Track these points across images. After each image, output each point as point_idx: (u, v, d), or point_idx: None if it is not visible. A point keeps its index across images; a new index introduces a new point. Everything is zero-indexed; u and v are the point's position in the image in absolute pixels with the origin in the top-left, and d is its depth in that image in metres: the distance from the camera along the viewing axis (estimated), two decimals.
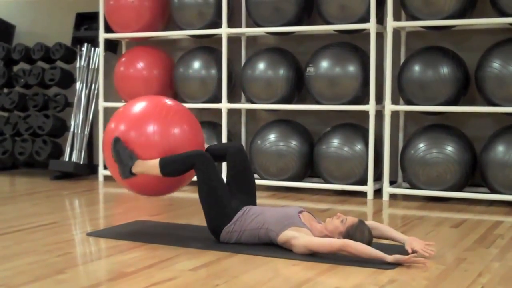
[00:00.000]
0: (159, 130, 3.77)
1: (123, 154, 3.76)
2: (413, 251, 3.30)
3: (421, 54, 5.19)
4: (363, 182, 5.33)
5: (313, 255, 3.36)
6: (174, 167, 3.68)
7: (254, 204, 3.79)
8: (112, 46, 6.63)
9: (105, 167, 6.37)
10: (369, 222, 3.52)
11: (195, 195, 5.49)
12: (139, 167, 3.74)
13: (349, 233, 3.35)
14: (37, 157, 6.52)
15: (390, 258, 3.20)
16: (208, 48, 6.12)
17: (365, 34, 5.45)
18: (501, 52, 4.92)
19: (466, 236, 3.94)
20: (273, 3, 5.56)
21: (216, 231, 3.63)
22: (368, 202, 5.17)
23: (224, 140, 5.81)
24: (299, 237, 3.39)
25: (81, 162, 6.44)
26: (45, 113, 6.61)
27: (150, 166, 3.71)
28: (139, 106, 3.87)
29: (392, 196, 5.34)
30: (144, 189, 3.91)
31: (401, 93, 5.27)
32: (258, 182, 5.67)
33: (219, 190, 3.60)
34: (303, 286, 2.89)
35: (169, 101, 3.95)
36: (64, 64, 6.85)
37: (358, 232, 3.35)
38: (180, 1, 5.99)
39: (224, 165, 5.44)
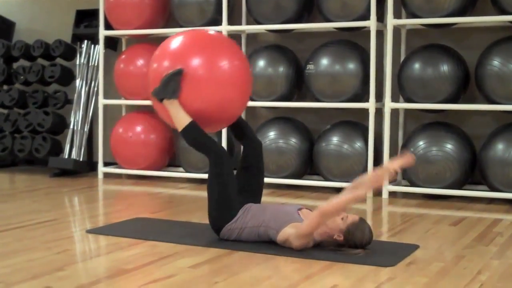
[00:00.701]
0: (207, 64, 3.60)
1: (171, 85, 3.58)
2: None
3: (421, 52, 5.19)
4: None
5: (313, 253, 3.36)
6: (193, 140, 3.62)
7: (258, 201, 3.77)
8: (112, 43, 6.63)
9: (105, 164, 6.38)
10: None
11: (195, 193, 5.53)
12: (171, 105, 3.60)
13: (350, 231, 3.35)
14: (37, 154, 6.52)
15: (362, 188, 3.29)
16: None
17: (365, 31, 5.45)
18: (501, 50, 4.92)
19: (466, 234, 3.94)
20: (273, 0, 5.56)
21: (217, 227, 3.62)
22: (367, 199, 5.17)
23: (224, 137, 5.81)
24: (294, 231, 3.39)
25: (81, 159, 6.44)
26: (45, 110, 6.60)
27: (179, 116, 3.59)
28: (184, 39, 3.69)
29: (392, 194, 5.34)
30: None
31: (401, 91, 5.27)
32: None
33: (229, 188, 3.57)
34: (302, 284, 2.89)
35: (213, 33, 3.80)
36: (64, 61, 6.84)
37: (359, 230, 3.35)
38: None
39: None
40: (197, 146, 3.64)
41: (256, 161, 3.78)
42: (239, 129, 3.84)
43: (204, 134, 3.62)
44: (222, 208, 3.58)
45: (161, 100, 3.62)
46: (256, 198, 3.75)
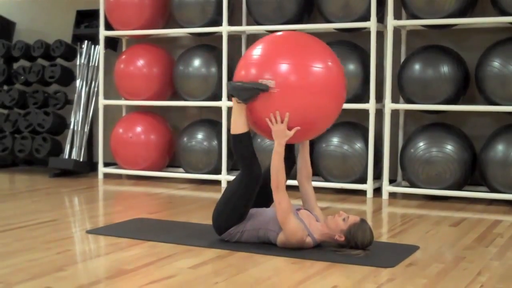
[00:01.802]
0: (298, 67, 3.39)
1: (250, 93, 3.42)
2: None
3: (421, 52, 5.19)
4: (363, 180, 5.33)
5: (313, 253, 3.36)
6: (240, 149, 3.52)
7: (266, 206, 3.71)
8: (112, 44, 6.63)
9: (105, 165, 6.38)
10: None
11: (195, 193, 5.53)
12: (238, 106, 3.50)
13: (351, 232, 3.35)
14: (37, 155, 6.52)
15: (275, 144, 3.37)
16: (208, 46, 6.12)
17: (365, 32, 5.45)
18: (501, 51, 4.92)
19: (466, 235, 3.94)
20: (274, 1, 5.55)
21: (220, 229, 3.61)
22: (367, 200, 5.17)
23: (224, 138, 5.79)
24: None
25: (81, 160, 6.44)
26: (45, 111, 6.60)
27: (239, 121, 3.50)
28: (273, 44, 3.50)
29: (392, 195, 5.34)
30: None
31: (401, 91, 5.27)
32: None
33: (246, 205, 3.52)
34: (302, 284, 2.89)
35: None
36: (64, 61, 6.85)
37: (360, 231, 3.35)
38: None
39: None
40: (239, 157, 3.55)
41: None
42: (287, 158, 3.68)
43: (251, 150, 3.53)
44: (231, 215, 3.55)
45: (231, 95, 3.53)
46: (263, 203, 3.69)
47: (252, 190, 3.51)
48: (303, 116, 3.39)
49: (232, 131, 3.53)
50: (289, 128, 3.39)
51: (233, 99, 3.50)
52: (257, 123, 3.52)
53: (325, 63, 3.45)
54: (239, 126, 3.50)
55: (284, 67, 3.37)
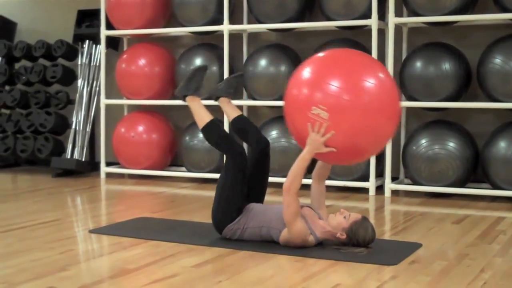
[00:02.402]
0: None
1: (194, 82, 3.65)
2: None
3: (423, 50, 5.18)
4: (365, 178, 5.33)
5: (315, 251, 3.36)
6: (213, 137, 3.61)
7: (260, 201, 3.77)
8: (113, 43, 6.63)
9: (107, 164, 6.38)
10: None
11: (197, 192, 5.53)
12: (193, 102, 3.63)
13: (352, 230, 3.35)
14: (39, 155, 6.52)
15: (305, 151, 3.29)
16: (209, 45, 6.12)
17: (366, 30, 5.45)
18: (503, 48, 4.91)
19: (468, 232, 3.94)
20: None
21: (219, 226, 3.62)
22: (370, 198, 5.17)
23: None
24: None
25: (83, 159, 6.44)
26: (47, 111, 6.61)
27: (200, 114, 3.61)
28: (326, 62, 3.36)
29: (394, 192, 5.33)
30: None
31: (403, 89, 5.26)
32: None
33: (236, 189, 3.55)
34: (305, 283, 2.89)
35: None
36: (66, 61, 6.85)
37: (362, 228, 3.35)
38: None
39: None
40: (215, 144, 3.65)
41: (263, 161, 3.76)
42: (240, 130, 3.82)
43: (224, 133, 3.63)
44: (226, 207, 3.57)
45: (184, 98, 3.63)
46: (259, 198, 3.74)
47: (240, 168, 3.53)
48: (351, 140, 3.21)
49: (200, 126, 3.63)
50: (327, 145, 3.26)
51: (187, 99, 3.64)
52: (298, 133, 3.37)
53: (378, 77, 3.25)
54: (203, 118, 3.61)
55: (335, 86, 3.19)
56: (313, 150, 3.27)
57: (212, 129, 3.62)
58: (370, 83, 3.21)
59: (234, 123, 3.84)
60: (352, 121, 3.17)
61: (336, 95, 3.18)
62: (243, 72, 3.46)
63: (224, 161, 3.62)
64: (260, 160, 3.75)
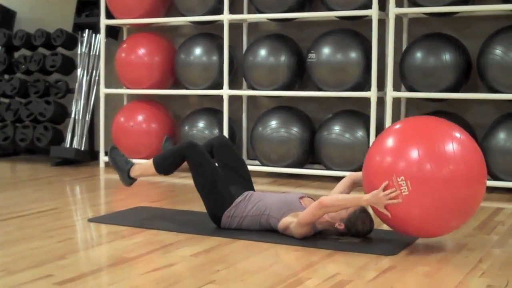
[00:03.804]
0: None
1: (120, 161, 3.85)
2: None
3: (423, 40, 5.17)
4: None
5: (314, 241, 3.37)
6: (168, 162, 3.75)
7: (252, 188, 3.80)
8: (113, 33, 6.62)
9: (106, 153, 6.38)
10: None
11: None
12: (136, 170, 3.82)
13: (351, 220, 3.36)
14: (38, 144, 6.52)
15: (365, 197, 3.21)
16: (209, 34, 6.10)
17: (367, 20, 5.43)
18: (504, 39, 4.90)
19: (467, 222, 3.94)
20: None
21: (216, 217, 3.63)
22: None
23: (226, 126, 5.80)
24: (295, 220, 3.40)
25: (82, 149, 6.44)
26: (46, 100, 6.60)
27: (145, 167, 3.78)
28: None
29: None
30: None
31: (403, 79, 5.26)
32: (259, 168, 5.68)
33: (212, 176, 3.61)
34: (304, 272, 2.89)
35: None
36: (65, 50, 6.83)
37: (360, 219, 3.36)
38: None
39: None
40: (176, 163, 3.74)
41: (230, 157, 3.85)
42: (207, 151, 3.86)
43: (168, 151, 3.76)
44: (214, 198, 3.61)
45: (130, 178, 3.85)
46: (248, 182, 3.81)
47: (205, 160, 3.60)
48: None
49: (157, 171, 3.75)
50: (386, 207, 3.18)
51: (133, 176, 3.85)
52: (369, 179, 3.28)
53: (457, 140, 3.28)
54: (147, 167, 3.78)
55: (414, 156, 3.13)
56: (372, 203, 3.22)
57: (161, 160, 3.75)
58: (449, 148, 3.23)
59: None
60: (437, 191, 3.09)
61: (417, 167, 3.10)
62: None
63: (189, 169, 3.69)
64: (225, 154, 3.83)
